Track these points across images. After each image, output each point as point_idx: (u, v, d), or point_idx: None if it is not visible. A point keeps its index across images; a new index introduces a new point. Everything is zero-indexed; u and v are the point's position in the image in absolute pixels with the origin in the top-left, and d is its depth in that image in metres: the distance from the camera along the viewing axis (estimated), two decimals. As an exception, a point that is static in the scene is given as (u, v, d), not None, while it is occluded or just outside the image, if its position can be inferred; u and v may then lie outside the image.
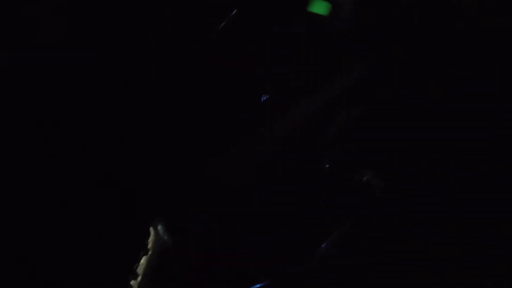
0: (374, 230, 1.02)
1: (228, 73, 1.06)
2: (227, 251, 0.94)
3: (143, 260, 0.87)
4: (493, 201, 1.00)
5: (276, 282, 0.96)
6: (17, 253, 0.91)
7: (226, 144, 1.00)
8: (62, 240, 0.90)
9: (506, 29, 1.05)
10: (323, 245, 1.04)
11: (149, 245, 0.87)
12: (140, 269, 0.86)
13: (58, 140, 0.97)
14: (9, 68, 1.00)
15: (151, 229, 0.88)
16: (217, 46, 1.05)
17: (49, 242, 0.90)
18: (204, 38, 1.05)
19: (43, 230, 0.92)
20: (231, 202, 0.97)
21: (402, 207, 1.02)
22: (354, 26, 1.04)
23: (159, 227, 0.89)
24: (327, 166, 1.04)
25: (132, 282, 0.86)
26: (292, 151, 1.03)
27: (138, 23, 1.07)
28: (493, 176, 1.00)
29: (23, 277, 0.90)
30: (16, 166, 0.96)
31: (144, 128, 0.96)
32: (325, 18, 1.06)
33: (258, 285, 0.96)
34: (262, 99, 1.06)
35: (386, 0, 1.06)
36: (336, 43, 1.05)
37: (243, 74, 1.07)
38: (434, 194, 1.01)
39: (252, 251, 0.99)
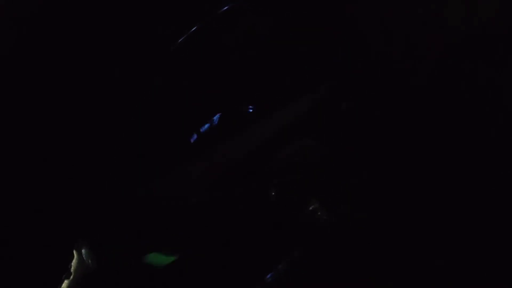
0: (318, 260, 0.98)
1: (181, 91, 1.03)
2: (153, 278, 0.91)
3: (64, 284, 0.85)
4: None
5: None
6: None
7: (169, 164, 0.97)
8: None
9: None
10: (268, 276, 1.01)
11: (72, 268, 0.85)
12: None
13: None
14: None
15: (75, 252, 0.86)
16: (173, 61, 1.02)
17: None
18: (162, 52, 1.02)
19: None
20: (167, 226, 0.94)
21: (347, 237, 0.98)
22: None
23: (83, 250, 0.87)
24: (273, 193, 1.00)
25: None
26: (239, 176, 1.00)
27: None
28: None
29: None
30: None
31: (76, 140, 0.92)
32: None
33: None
34: (214, 122, 1.03)
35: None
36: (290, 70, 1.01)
37: (196, 92, 1.04)
38: (383, 225, 0.97)
39: (189, 279, 0.96)
